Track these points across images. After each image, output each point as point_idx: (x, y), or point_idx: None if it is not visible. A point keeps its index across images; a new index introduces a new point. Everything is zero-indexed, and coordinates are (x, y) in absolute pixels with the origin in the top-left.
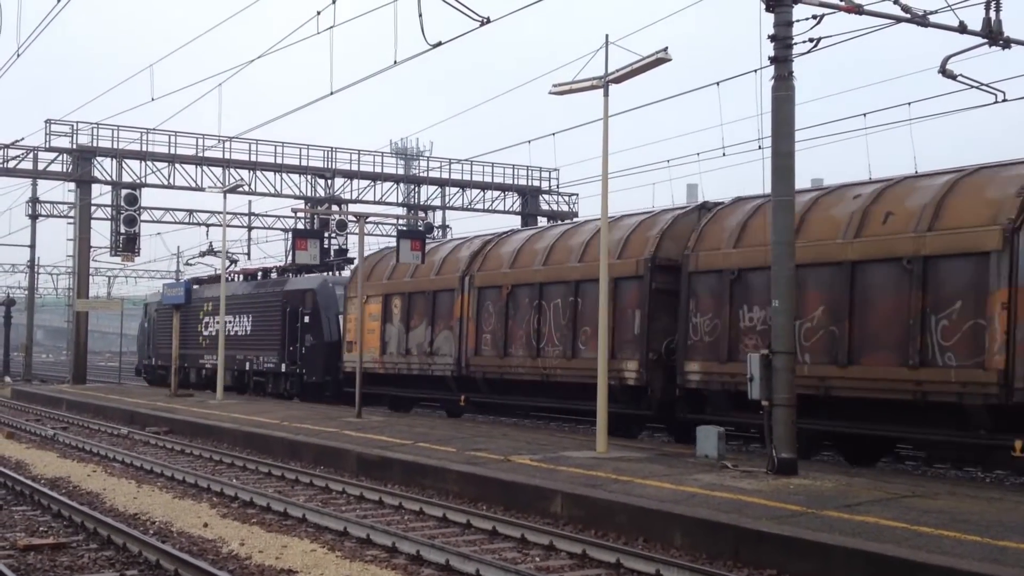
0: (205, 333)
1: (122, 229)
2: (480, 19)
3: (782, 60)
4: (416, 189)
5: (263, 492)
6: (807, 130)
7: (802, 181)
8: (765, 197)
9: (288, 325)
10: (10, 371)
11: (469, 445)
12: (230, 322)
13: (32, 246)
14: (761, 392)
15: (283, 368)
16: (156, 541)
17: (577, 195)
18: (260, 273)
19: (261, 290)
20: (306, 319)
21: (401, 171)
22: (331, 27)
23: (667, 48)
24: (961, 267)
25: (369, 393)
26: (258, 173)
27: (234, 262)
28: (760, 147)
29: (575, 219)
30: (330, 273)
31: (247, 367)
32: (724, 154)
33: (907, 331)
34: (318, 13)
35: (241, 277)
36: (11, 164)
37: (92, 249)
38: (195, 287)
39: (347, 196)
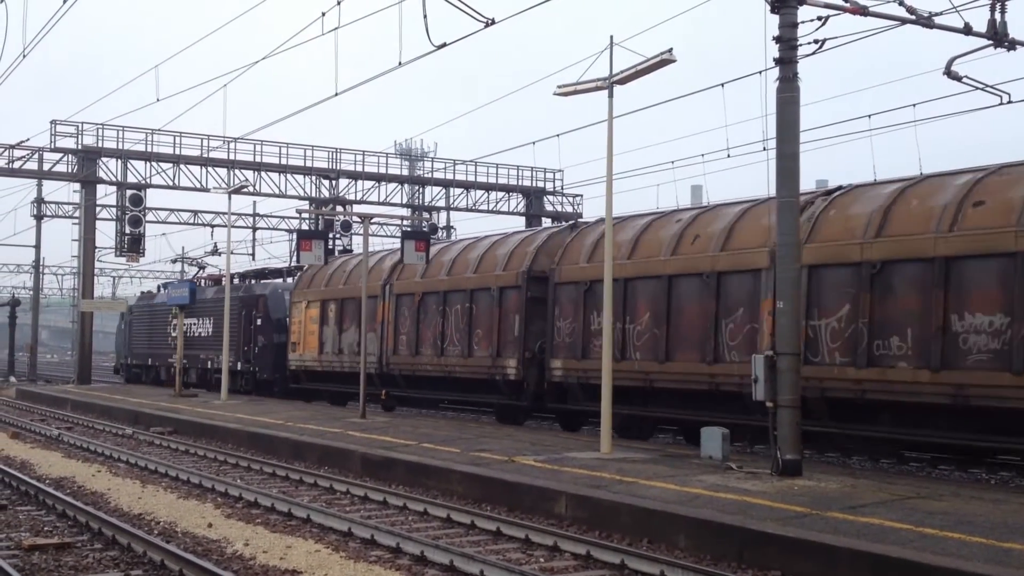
0: (174, 335)
1: (127, 229)
2: (485, 20)
3: (787, 61)
4: (420, 190)
5: (267, 492)
6: (812, 131)
7: (807, 182)
8: (617, 219)
9: (244, 328)
10: (15, 371)
11: (473, 446)
12: (196, 324)
13: (37, 246)
14: (765, 393)
15: (239, 367)
16: (160, 541)
17: (582, 196)
18: (249, 279)
19: (220, 295)
20: (258, 322)
21: (405, 172)
22: (336, 28)
23: (672, 49)
24: (742, 281)
25: (309, 389)
26: (263, 174)
27: (202, 268)
28: (765, 148)
29: (471, 236)
30: (284, 280)
31: (209, 365)
32: (729, 155)
33: (705, 333)
34: (323, 14)
35: (205, 283)
36: (16, 164)
37: (97, 249)
38: (166, 291)
39: (351, 197)
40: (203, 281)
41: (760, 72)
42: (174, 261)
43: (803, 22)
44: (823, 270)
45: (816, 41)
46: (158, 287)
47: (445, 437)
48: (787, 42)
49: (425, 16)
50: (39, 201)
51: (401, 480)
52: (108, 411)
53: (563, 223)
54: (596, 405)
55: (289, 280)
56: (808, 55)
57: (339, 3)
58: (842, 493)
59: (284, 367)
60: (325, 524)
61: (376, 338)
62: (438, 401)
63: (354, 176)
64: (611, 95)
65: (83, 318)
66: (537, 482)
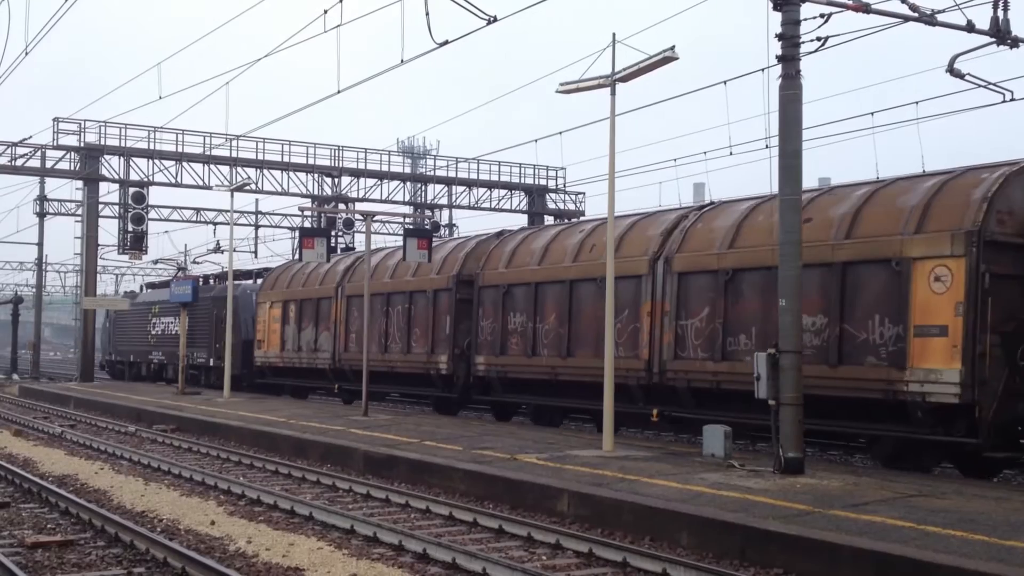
0: (153, 332)
1: (129, 227)
2: (487, 18)
3: (789, 59)
4: (423, 188)
5: (270, 490)
6: (814, 129)
7: (809, 180)
8: (535, 228)
9: (215, 326)
10: (18, 369)
11: (475, 444)
12: (172, 323)
13: (40, 244)
14: (768, 391)
15: (211, 363)
16: (163, 539)
17: (584, 194)
18: (201, 280)
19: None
20: (224, 321)
21: (408, 170)
22: (338, 26)
23: (674, 47)
24: (627, 286)
25: (273, 383)
26: (265, 171)
27: (181, 269)
28: (767, 146)
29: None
30: (253, 281)
31: (185, 362)
32: (731, 153)
33: (599, 332)
34: (325, 12)
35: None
36: (19, 162)
37: (100, 247)
38: (148, 291)
39: (354, 195)
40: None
41: (763, 70)
42: (155, 262)
43: (805, 19)
44: (690, 276)
45: (819, 39)
46: (140, 287)
47: (447, 435)
48: (789, 39)
49: (427, 13)
50: (42, 199)
51: (403, 478)
52: (111, 408)
53: (490, 231)
54: (514, 396)
55: (258, 281)
56: (811, 52)
57: (341, 0)
58: (844, 491)
59: (251, 363)
60: (327, 522)
61: (330, 336)
62: (384, 394)
63: (356, 174)
64: (613, 93)
65: (86, 316)
66: (539, 480)
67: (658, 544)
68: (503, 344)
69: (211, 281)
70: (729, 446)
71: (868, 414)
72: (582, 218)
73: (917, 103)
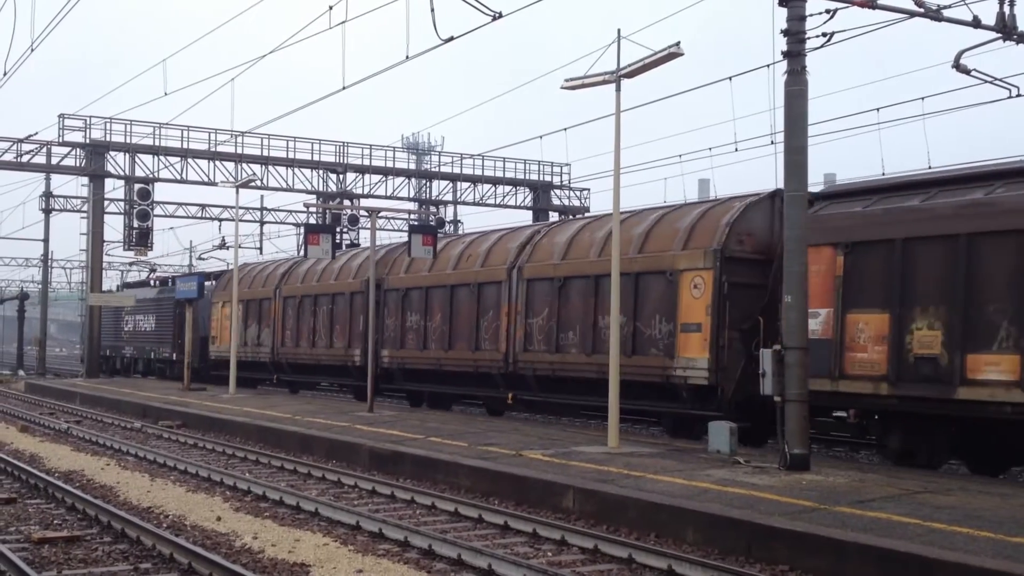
0: (126, 329)
1: (135, 223)
2: (492, 14)
3: (795, 55)
4: (428, 184)
5: (276, 486)
6: (820, 125)
7: (815, 176)
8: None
9: (177, 323)
10: (24, 365)
11: (481, 440)
12: (142, 320)
13: (46, 240)
14: (774, 388)
15: (174, 357)
16: (170, 534)
17: (589, 190)
18: (170, 281)
19: (161, 296)
20: (186, 319)
21: (413, 166)
22: (343, 22)
23: (679, 43)
24: (492, 290)
25: (225, 375)
26: (270, 168)
27: (153, 270)
28: (772, 142)
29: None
30: (212, 282)
31: (151, 356)
32: (736, 149)
33: (471, 329)
34: (330, 8)
35: (154, 283)
36: (25, 158)
37: (105, 243)
38: (123, 291)
39: (359, 191)
40: (153, 282)
41: (768, 66)
42: (131, 264)
43: (811, 15)
44: (535, 283)
45: (824, 34)
46: (116, 287)
47: (453, 431)
48: (795, 35)
49: (432, 10)
50: (47, 195)
51: (409, 474)
52: (117, 405)
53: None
54: (413, 384)
55: (214, 282)
56: (816, 48)
57: None
58: (850, 488)
59: (207, 357)
60: (333, 518)
61: (270, 332)
62: (315, 383)
63: (361, 170)
64: (618, 89)
65: (91, 312)
66: (545, 476)
67: (664, 540)
68: (402, 339)
69: (172, 283)
70: (735, 443)
71: (657, 395)
72: (492, 228)
73: (923, 99)
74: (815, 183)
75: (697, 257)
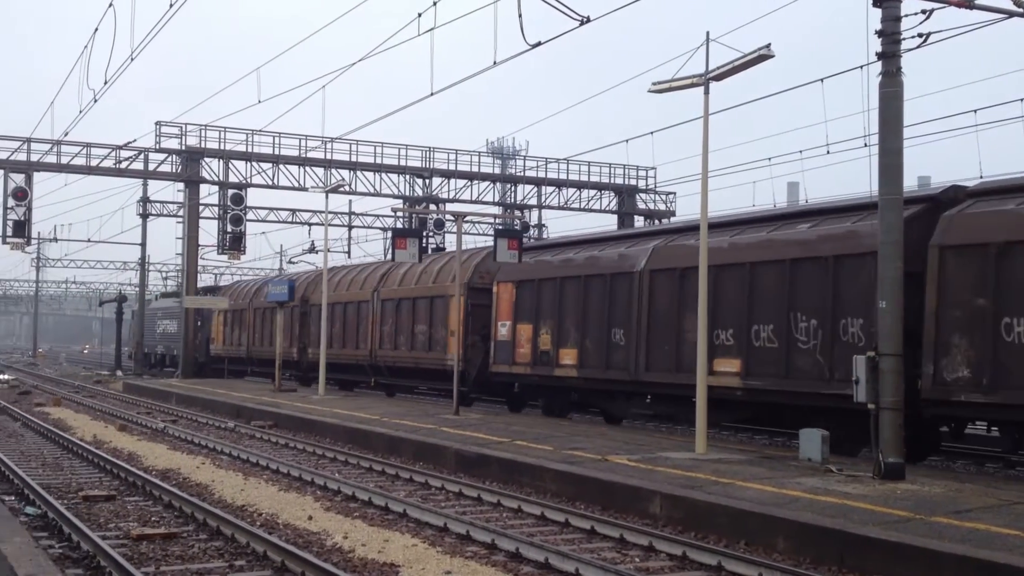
0: (158, 332)
1: (228, 228)
2: (580, 18)
3: (890, 56)
4: (512, 188)
5: (365, 487)
6: (915, 127)
7: (910, 180)
8: (349, 266)
9: (193, 327)
10: (122, 365)
11: (566, 444)
12: (168, 324)
13: (143, 244)
14: (867, 395)
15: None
16: (263, 533)
17: (675, 194)
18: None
19: (181, 305)
20: (199, 323)
21: (498, 170)
22: (431, 29)
23: (770, 44)
24: (365, 306)
25: (221, 367)
26: (358, 173)
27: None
28: (866, 144)
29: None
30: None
31: (174, 352)
32: (828, 152)
33: (357, 332)
34: (419, 15)
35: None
36: (124, 165)
37: (200, 247)
38: (159, 300)
39: (445, 195)
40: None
41: (861, 67)
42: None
43: (906, 16)
44: (386, 302)
45: (920, 35)
46: (154, 295)
47: (538, 435)
48: (890, 36)
49: (520, 15)
50: (145, 200)
51: (494, 477)
52: (211, 405)
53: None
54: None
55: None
56: (912, 49)
57: (435, 4)
58: (946, 497)
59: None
60: (421, 519)
61: (246, 335)
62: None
63: (447, 175)
64: (707, 92)
65: (187, 314)
66: (631, 481)
67: (753, 549)
68: (316, 340)
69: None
70: (826, 451)
71: (442, 378)
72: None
73: (1023, 100)
74: (910, 186)
75: (458, 288)
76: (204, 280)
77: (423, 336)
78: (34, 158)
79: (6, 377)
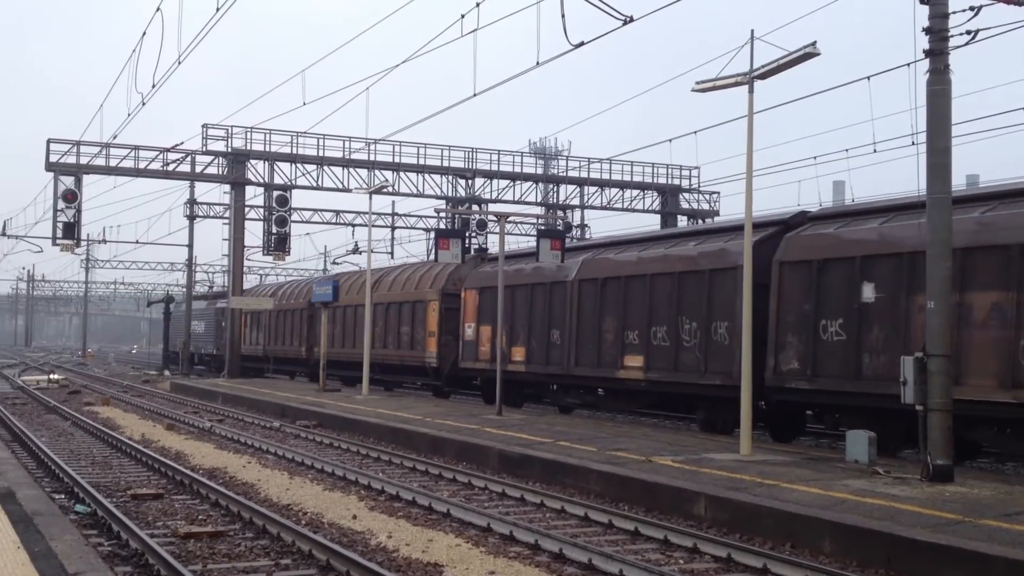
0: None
1: (273, 229)
2: (623, 18)
3: (937, 53)
4: (555, 188)
5: (408, 486)
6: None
7: (958, 178)
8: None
9: (217, 327)
10: (169, 365)
11: (609, 445)
12: (196, 324)
13: (190, 245)
14: (915, 396)
15: (215, 351)
16: (308, 532)
17: (719, 193)
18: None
19: (207, 307)
20: (222, 324)
21: (540, 171)
22: (474, 30)
23: (815, 42)
24: (296, 313)
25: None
26: (401, 174)
27: (210, 287)
28: (913, 143)
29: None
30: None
31: (202, 351)
32: (875, 150)
33: (295, 335)
34: (462, 16)
35: (207, 297)
36: (171, 167)
37: (245, 248)
38: (179, 306)
39: (487, 196)
40: (208, 297)
41: (908, 64)
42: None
43: (954, 12)
44: (378, 306)
45: (968, 32)
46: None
47: (581, 436)
48: (938, 33)
49: (563, 15)
50: (191, 202)
51: (537, 477)
52: (256, 404)
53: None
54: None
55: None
56: (960, 46)
57: (478, 5)
58: (996, 500)
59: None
60: (465, 519)
61: (264, 335)
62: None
63: (489, 175)
64: (751, 90)
65: (233, 314)
66: (675, 483)
67: (799, 551)
68: (333, 340)
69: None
70: (874, 452)
71: (423, 374)
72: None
73: None
74: (958, 185)
75: (434, 294)
76: (249, 281)
77: (407, 336)
78: (83, 161)
79: (56, 377)
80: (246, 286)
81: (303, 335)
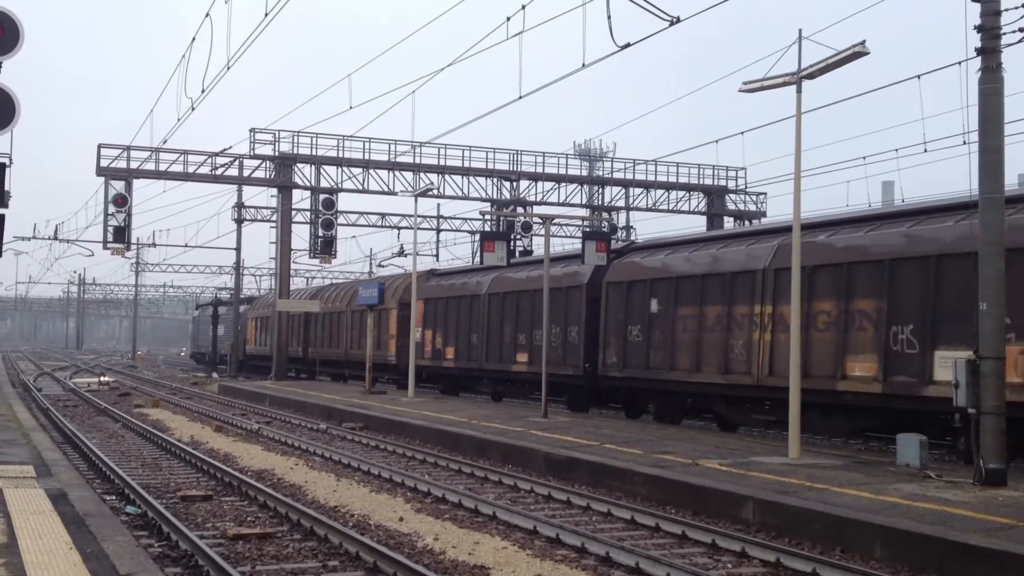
0: (209, 335)
1: (320, 232)
2: (670, 19)
3: (990, 51)
4: (600, 190)
5: (454, 489)
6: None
7: (1011, 178)
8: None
9: (236, 330)
10: (217, 368)
11: (656, 448)
12: (211, 329)
13: (238, 249)
14: (967, 399)
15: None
16: (355, 533)
17: (766, 194)
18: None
19: (225, 312)
20: (239, 327)
21: (585, 173)
22: (520, 32)
23: (864, 42)
24: (294, 318)
25: (254, 364)
26: (446, 177)
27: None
28: (965, 142)
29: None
30: (248, 304)
31: (222, 353)
32: (926, 150)
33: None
34: (508, 19)
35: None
36: (219, 171)
37: (292, 251)
38: (203, 307)
39: (532, 198)
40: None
41: (960, 63)
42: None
43: (1006, 10)
44: (355, 313)
45: (1021, 29)
46: (196, 304)
47: (627, 438)
48: (989, 31)
49: (609, 17)
50: (239, 206)
51: (583, 480)
52: (303, 406)
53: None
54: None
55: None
56: (1012, 44)
57: (524, 7)
58: None
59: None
60: (511, 522)
61: (271, 338)
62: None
63: (534, 177)
64: (799, 91)
65: (280, 317)
66: (723, 486)
67: (849, 556)
68: (322, 342)
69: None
70: (925, 456)
71: (389, 370)
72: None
73: None
74: (1011, 184)
75: (394, 304)
76: (296, 284)
77: (375, 339)
78: (133, 165)
79: (107, 379)
80: (292, 287)
81: (300, 336)
